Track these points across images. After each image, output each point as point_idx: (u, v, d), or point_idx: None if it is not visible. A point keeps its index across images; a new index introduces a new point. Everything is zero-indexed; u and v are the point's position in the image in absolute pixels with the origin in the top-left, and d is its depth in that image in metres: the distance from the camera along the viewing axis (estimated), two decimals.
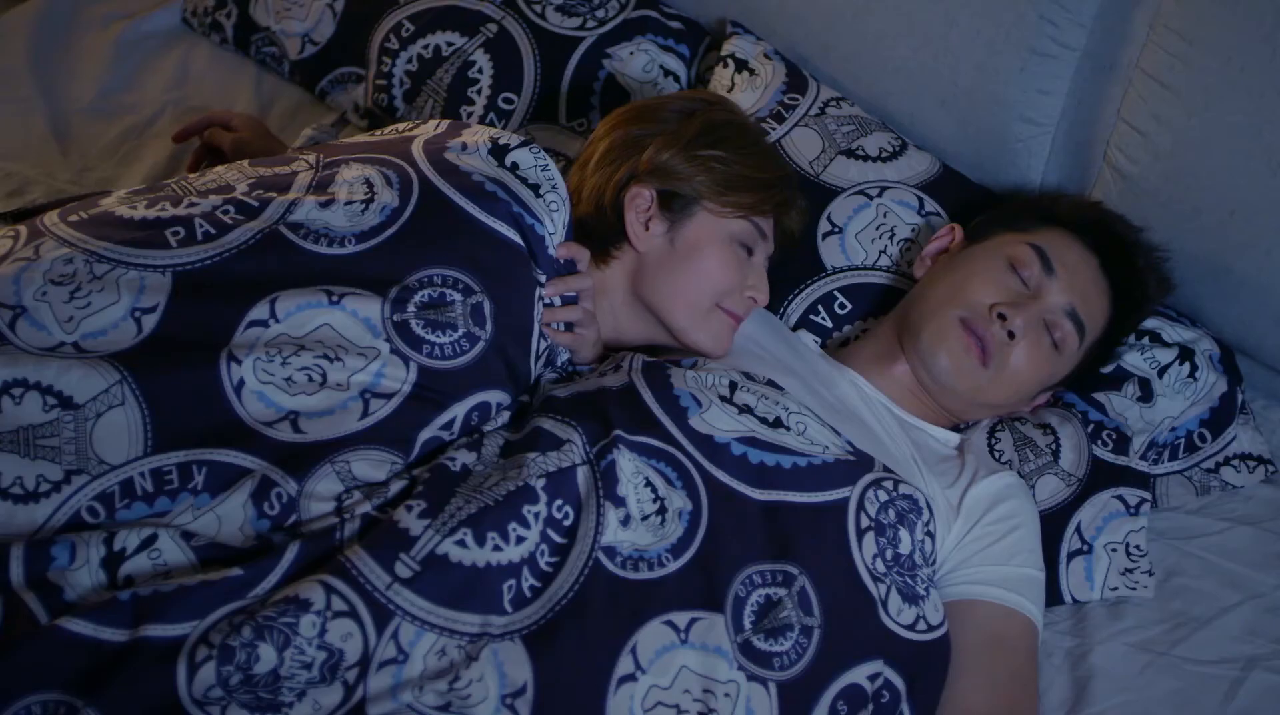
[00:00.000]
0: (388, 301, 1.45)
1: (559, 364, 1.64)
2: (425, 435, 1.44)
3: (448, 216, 1.53)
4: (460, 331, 1.47)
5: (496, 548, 1.31)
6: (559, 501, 1.37)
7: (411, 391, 1.43)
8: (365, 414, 1.41)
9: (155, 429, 1.33)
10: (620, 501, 1.39)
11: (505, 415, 1.53)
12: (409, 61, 2.11)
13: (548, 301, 1.59)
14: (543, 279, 1.58)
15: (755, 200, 1.68)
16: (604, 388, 1.52)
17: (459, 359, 1.47)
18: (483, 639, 1.27)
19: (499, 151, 1.61)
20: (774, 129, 1.99)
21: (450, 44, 2.10)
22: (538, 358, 1.58)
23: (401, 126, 1.69)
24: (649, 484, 1.42)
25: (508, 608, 1.30)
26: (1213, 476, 1.83)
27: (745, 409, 1.52)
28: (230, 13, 2.30)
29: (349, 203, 1.50)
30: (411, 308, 1.46)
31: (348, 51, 2.20)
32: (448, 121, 1.68)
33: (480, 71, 2.08)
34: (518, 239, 1.55)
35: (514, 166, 1.61)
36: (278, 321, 1.40)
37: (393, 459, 1.41)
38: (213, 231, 1.43)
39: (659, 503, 1.41)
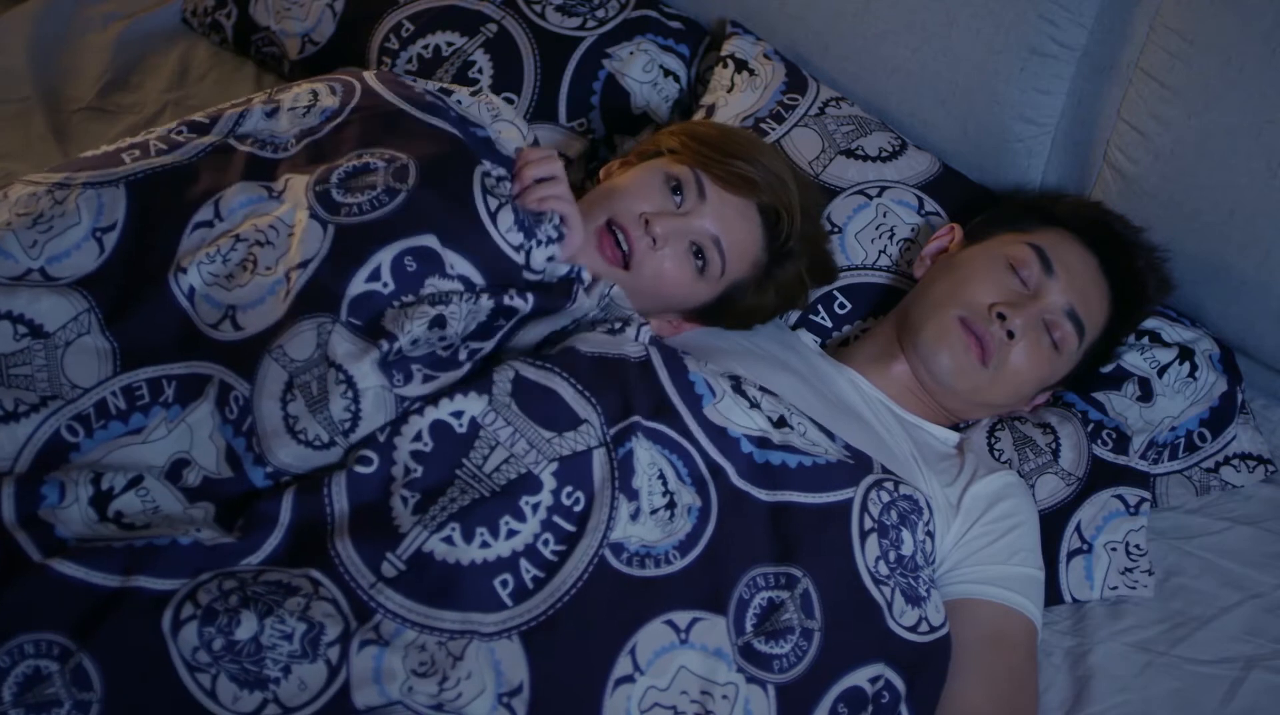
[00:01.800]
0: (314, 177, 1.47)
1: (549, 235, 1.55)
2: (353, 290, 1.39)
3: (385, 115, 1.56)
4: (379, 189, 1.45)
5: (484, 545, 1.30)
6: (569, 488, 1.34)
7: (328, 253, 1.40)
8: (288, 294, 1.39)
9: (123, 355, 1.36)
10: (634, 494, 1.37)
11: (483, 299, 1.44)
12: (409, 62, 2.10)
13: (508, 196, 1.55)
14: (491, 167, 1.55)
15: (704, 155, 1.67)
16: (624, 358, 1.47)
17: (377, 212, 1.43)
18: (466, 636, 1.26)
19: (445, 92, 1.65)
20: (774, 129, 1.99)
21: (450, 44, 2.10)
22: (502, 228, 1.50)
23: None
24: (661, 476, 1.40)
25: (507, 602, 1.28)
26: (1212, 476, 1.83)
27: (754, 405, 1.52)
28: (230, 12, 2.30)
29: (292, 108, 1.56)
30: (334, 178, 1.47)
31: (348, 52, 2.19)
32: None
33: (480, 71, 2.08)
34: (458, 133, 1.56)
35: (458, 103, 1.64)
36: (221, 220, 1.44)
37: (321, 320, 1.36)
38: (164, 148, 1.48)
39: (668, 497, 1.39)
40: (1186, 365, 1.82)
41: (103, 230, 1.42)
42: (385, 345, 1.35)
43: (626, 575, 1.34)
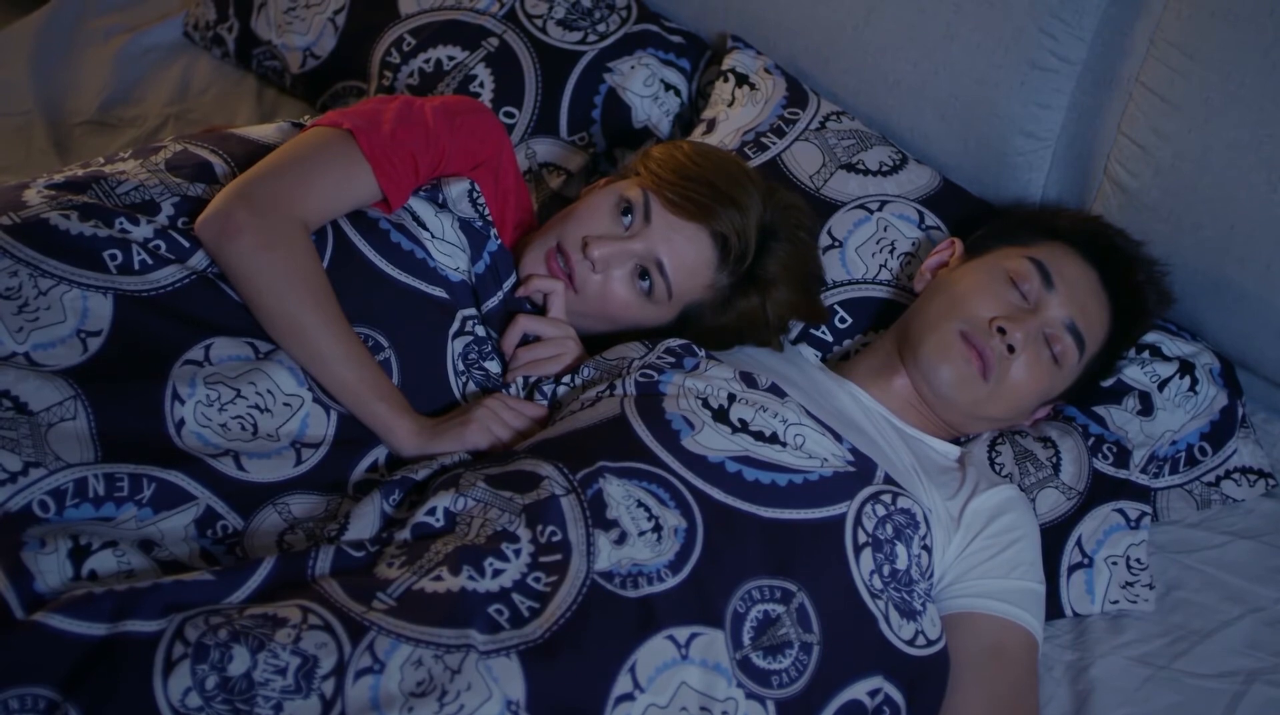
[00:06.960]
0: None
1: (550, 393, 1.63)
2: (355, 477, 1.52)
3: (360, 271, 1.57)
4: None
5: (471, 578, 1.31)
6: (540, 525, 1.37)
7: (335, 437, 1.50)
8: (299, 462, 1.48)
9: (104, 447, 1.38)
10: (611, 524, 1.38)
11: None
12: (410, 75, 2.11)
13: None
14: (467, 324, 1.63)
15: (660, 178, 1.66)
16: (596, 424, 1.51)
17: None
18: (463, 650, 1.25)
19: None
20: (774, 143, 1.99)
21: (451, 58, 2.10)
22: (511, 389, 1.63)
23: None
24: (641, 504, 1.41)
25: (504, 625, 1.29)
26: (1213, 490, 1.83)
27: (740, 427, 1.52)
28: (232, 26, 2.31)
29: None
30: None
31: (349, 65, 2.20)
32: None
33: (481, 85, 2.09)
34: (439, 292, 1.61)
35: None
36: (211, 364, 1.46)
37: (329, 500, 1.48)
38: (150, 262, 1.47)
39: (654, 521, 1.40)
40: (1187, 379, 1.82)
41: (88, 333, 1.42)
42: (384, 489, 1.45)
43: (621, 596, 1.34)
